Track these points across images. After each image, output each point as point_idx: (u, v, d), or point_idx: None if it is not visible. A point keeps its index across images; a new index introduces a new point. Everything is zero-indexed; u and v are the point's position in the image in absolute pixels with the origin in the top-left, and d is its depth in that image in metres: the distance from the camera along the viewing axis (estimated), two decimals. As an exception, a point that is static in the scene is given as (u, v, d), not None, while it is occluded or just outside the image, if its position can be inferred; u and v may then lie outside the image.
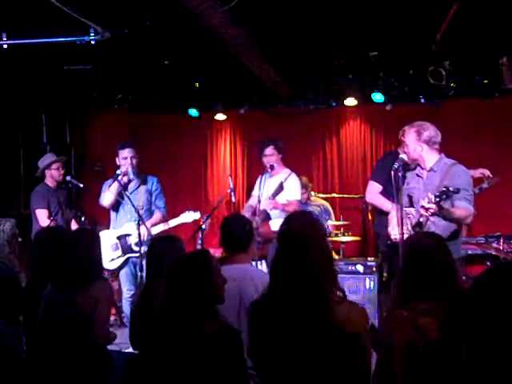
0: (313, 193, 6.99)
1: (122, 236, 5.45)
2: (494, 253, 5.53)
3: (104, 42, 5.02)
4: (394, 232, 4.13)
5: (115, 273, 5.65)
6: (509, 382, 1.66)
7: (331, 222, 6.71)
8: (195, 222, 5.63)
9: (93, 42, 4.99)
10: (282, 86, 6.82)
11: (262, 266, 5.18)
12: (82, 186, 5.73)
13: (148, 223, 5.34)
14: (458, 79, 6.47)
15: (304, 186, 6.27)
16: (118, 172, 5.41)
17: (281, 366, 2.34)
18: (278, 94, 7.16)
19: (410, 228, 4.02)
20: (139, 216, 5.13)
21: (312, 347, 2.28)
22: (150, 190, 5.58)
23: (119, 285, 5.68)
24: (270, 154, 5.77)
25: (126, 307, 5.33)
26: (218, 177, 8.17)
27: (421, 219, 3.92)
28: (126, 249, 5.42)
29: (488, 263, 5.75)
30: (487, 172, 5.37)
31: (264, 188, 5.49)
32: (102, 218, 6.43)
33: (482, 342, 1.71)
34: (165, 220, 5.53)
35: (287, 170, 5.84)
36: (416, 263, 2.57)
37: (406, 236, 3.74)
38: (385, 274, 5.34)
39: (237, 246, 3.37)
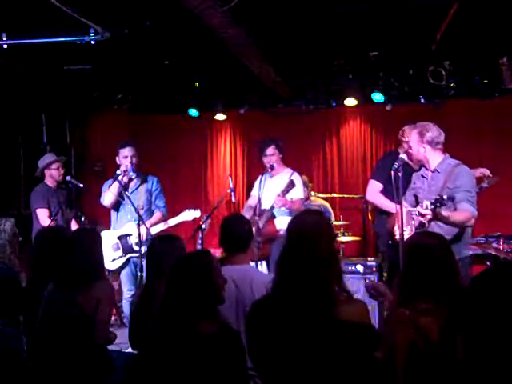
0: (313, 193, 6.99)
1: (122, 236, 5.46)
2: (493, 253, 5.52)
3: (104, 42, 5.01)
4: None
5: (116, 273, 5.66)
6: (508, 382, 1.66)
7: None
8: (195, 221, 5.64)
9: (93, 42, 4.98)
10: (281, 86, 6.82)
11: (262, 267, 5.18)
12: (81, 185, 5.74)
13: (148, 223, 5.34)
14: (458, 79, 6.45)
15: (304, 185, 6.26)
16: (118, 172, 5.43)
17: (284, 365, 2.32)
18: (278, 94, 7.15)
19: (413, 229, 4.01)
20: (139, 216, 5.14)
21: (317, 345, 2.27)
22: (150, 189, 5.60)
23: (119, 285, 5.69)
24: (271, 154, 5.76)
25: (126, 307, 5.34)
26: (218, 177, 8.16)
27: (424, 220, 3.90)
28: (127, 249, 5.43)
29: (488, 263, 5.74)
30: (487, 172, 5.36)
31: (264, 188, 5.48)
32: (102, 218, 6.44)
33: (479, 342, 1.70)
34: (165, 220, 5.54)
35: (289, 170, 5.83)
36: (417, 262, 2.56)
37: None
38: (385, 274, 5.34)
39: (236, 246, 3.37)
